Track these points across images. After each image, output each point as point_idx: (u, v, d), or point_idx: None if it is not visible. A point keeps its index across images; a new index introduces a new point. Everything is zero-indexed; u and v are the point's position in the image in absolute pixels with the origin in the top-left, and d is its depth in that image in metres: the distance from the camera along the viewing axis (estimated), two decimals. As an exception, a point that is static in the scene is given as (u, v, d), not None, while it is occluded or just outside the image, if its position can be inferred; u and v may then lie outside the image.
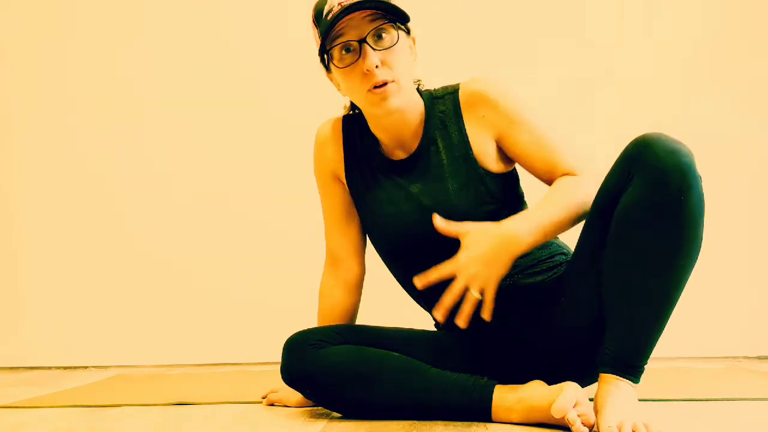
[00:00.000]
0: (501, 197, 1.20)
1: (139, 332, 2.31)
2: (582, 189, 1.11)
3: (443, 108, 1.23)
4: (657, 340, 1.01)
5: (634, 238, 0.99)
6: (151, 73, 2.37)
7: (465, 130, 1.20)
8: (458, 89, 1.23)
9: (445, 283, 1.03)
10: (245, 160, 2.32)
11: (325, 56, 1.16)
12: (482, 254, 1.04)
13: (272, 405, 1.38)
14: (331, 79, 1.21)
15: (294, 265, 2.24)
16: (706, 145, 2.05)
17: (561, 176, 1.16)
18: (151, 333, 2.30)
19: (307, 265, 2.21)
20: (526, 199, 1.30)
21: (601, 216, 1.05)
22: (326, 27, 1.10)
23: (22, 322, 2.38)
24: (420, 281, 1.06)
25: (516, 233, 1.05)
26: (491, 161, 1.21)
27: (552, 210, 1.08)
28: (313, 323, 1.32)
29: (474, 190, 1.18)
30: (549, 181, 1.19)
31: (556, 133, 1.19)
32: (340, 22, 1.09)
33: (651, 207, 0.96)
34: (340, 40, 1.11)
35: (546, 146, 1.17)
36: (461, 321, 1.03)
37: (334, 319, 1.34)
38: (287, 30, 2.27)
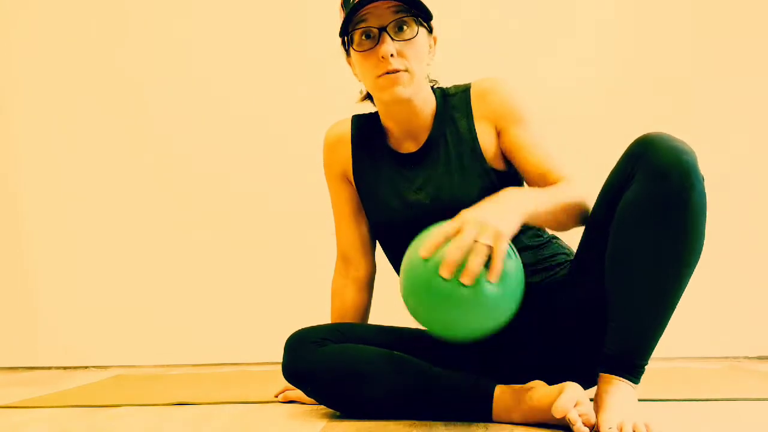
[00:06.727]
0: None
1: (139, 332, 2.31)
2: (574, 191, 1.12)
3: (455, 105, 1.25)
4: (657, 341, 1.01)
5: (636, 235, 0.98)
6: (152, 72, 2.37)
7: (474, 126, 1.22)
8: (470, 87, 1.26)
9: None
10: (246, 161, 2.32)
11: (346, 39, 1.18)
12: (489, 209, 0.94)
13: (291, 402, 1.39)
14: (349, 63, 1.25)
15: (294, 265, 2.25)
16: (705, 143, 2.06)
17: (552, 182, 1.17)
18: (151, 333, 2.30)
19: (308, 265, 2.23)
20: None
21: (602, 214, 1.05)
22: (350, 10, 1.13)
23: (22, 322, 2.38)
24: (426, 251, 0.93)
25: (519, 195, 1.02)
26: (497, 158, 1.23)
27: (546, 195, 1.07)
28: (313, 323, 1.32)
29: (480, 184, 1.19)
30: (539, 185, 1.19)
31: (551, 142, 1.21)
32: (365, 8, 1.13)
33: (652, 204, 0.96)
34: (361, 25, 1.14)
35: (541, 152, 1.19)
36: (467, 278, 0.89)
37: (346, 317, 1.36)
38: (287, 29, 2.28)
